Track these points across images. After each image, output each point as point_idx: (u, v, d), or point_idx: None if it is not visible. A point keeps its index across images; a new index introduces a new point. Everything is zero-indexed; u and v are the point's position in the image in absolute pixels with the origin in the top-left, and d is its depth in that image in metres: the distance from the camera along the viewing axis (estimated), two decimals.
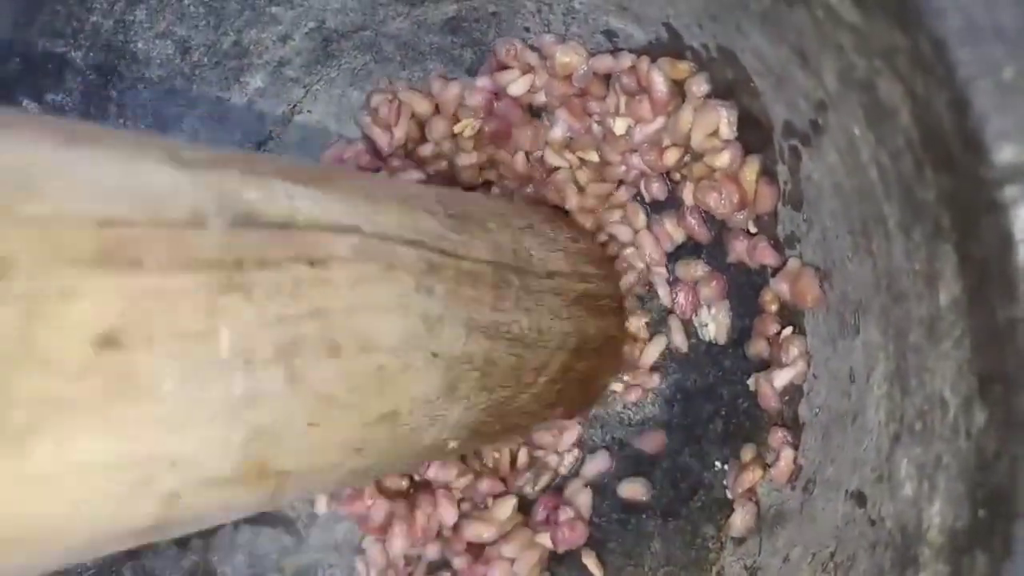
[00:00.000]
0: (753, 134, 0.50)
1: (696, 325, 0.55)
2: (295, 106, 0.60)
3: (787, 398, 0.50)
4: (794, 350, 0.50)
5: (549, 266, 0.49)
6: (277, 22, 0.57)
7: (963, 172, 0.33)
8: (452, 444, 0.44)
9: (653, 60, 0.52)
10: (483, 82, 0.57)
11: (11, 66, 0.53)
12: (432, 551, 0.59)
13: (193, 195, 0.29)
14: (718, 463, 0.54)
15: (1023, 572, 0.31)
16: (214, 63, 0.57)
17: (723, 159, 0.51)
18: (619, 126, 0.54)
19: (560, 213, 0.57)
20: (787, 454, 0.50)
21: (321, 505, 0.61)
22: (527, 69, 0.56)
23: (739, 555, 0.52)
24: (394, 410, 0.37)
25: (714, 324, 0.53)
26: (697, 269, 0.54)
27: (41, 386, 0.24)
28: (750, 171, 0.50)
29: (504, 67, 0.57)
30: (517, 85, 0.56)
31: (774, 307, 0.51)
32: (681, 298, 0.54)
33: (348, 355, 0.34)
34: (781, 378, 0.50)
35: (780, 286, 0.50)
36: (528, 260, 0.47)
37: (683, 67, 0.52)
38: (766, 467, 0.51)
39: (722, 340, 0.54)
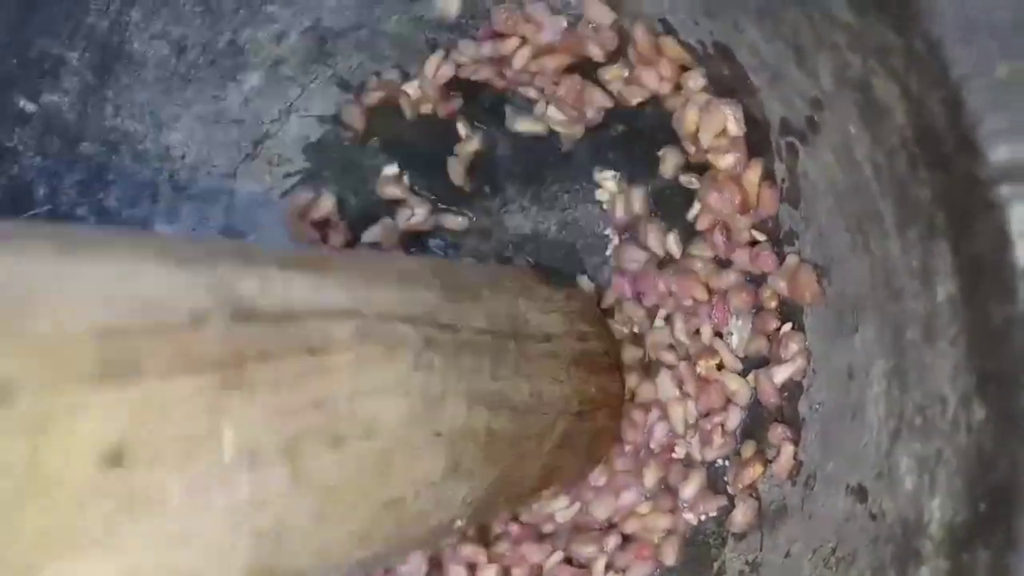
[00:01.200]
0: (751, 132, 0.50)
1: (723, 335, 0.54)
2: (291, 105, 0.60)
3: (786, 394, 0.51)
4: (793, 346, 0.50)
5: (545, 328, 0.49)
6: (273, 21, 0.57)
7: (958, 171, 0.33)
8: (458, 523, 0.43)
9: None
10: (485, 49, 0.57)
11: (8, 67, 0.53)
12: None
13: (190, 294, 0.29)
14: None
15: None
16: (210, 62, 0.57)
17: (727, 160, 0.51)
18: None
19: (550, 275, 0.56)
20: (787, 450, 0.50)
21: None
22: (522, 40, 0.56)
23: (740, 551, 0.52)
24: (399, 496, 0.37)
25: (738, 335, 0.53)
26: (730, 277, 0.53)
27: (47, 516, 0.24)
28: (753, 174, 0.50)
29: (500, 35, 0.57)
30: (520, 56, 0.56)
31: (773, 304, 0.51)
32: (715, 311, 0.53)
33: (351, 444, 0.33)
34: (781, 374, 0.50)
35: (778, 283, 0.50)
36: (524, 325, 0.47)
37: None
38: (767, 463, 0.51)
39: (741, 352, 0.53)
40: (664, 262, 0.54)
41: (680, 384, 0.53)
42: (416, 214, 0.59)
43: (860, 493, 0.44)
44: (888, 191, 0.39)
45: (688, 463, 0.54)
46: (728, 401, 0.52)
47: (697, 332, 0.53)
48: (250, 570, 0.30)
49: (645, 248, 0.54)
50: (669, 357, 0.54)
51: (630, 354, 0.56)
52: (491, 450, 0.42)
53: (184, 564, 0.28)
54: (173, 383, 0.27)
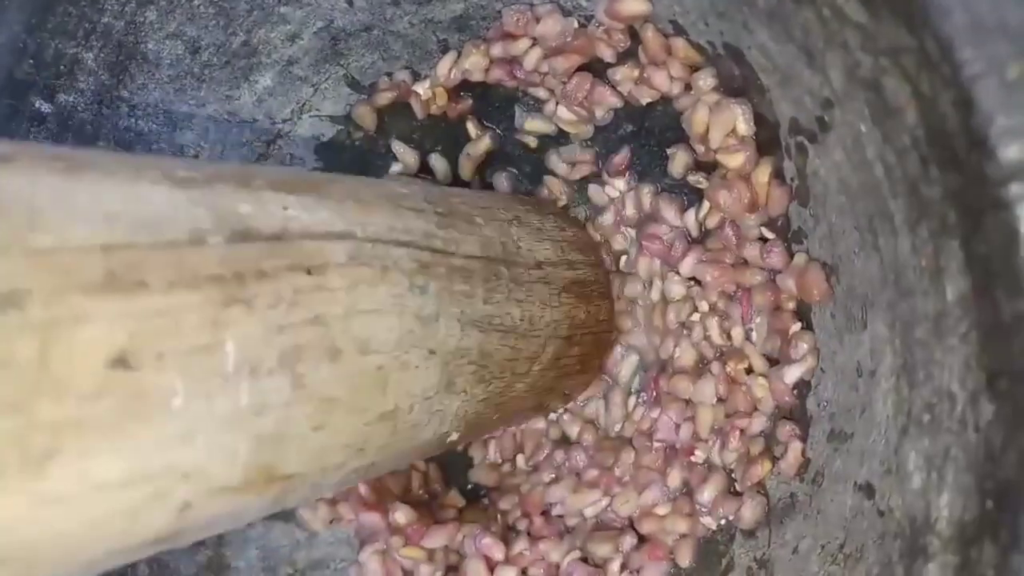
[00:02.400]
0: (761, 132, 0.50)
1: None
2: (304, 104, 0.61)
3: (795, 391, 0.51)
4: (804, 345, 0.50)
5: (537, 256, 0.50)
6: (286, 21, 0.58)
7: (969, 170, 0.33)
8: (453, 436, 0.45)
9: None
10: (496, 50, 0.57)
11: (24, 67, 0.53)
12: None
13: (191, 214, 0.30)
14: None
15: None
16: (223, 62, 0.57)
17: (737, 159, 0.51)
18: None
19: (546, 203, 0.58)
20: (795, 447, 0.51)
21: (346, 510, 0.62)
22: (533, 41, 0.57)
23: (748, 547, 0.53)
24: (394, 408, 0.38)
25: (756, 333, 0.53)
26: (755, 276, 0.53)
27: (60, 410, 0.25)
28: (762, 173, 0.51)
29: (511, 36, 0.57)
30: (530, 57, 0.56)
31: (791, 304, 0.51)
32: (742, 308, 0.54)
33: (348, 358, 0.35)
34: (791, 374, 0.50)
35: (787, 281, 0.51)
36: (516, 252, 0.49)
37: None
38: (775, 460, 0.52)
39: (761, 348, 0.53)
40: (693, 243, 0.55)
41: (716, 389, 0.54)
42: None
43: (868, 490, 0.44)
44: (899, 190, 0.39)
45: (708, 466, 0.55)
46: (755, 408, 0.53)
47: (728, 334, 0.54)
48: (251, 470, 0.31)
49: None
50: (714, 365, 0.54)
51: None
52: (483, 370, 0.44)
53: (189, 462, 0.29)
54: (176, 297, 0.28)
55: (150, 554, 0.31)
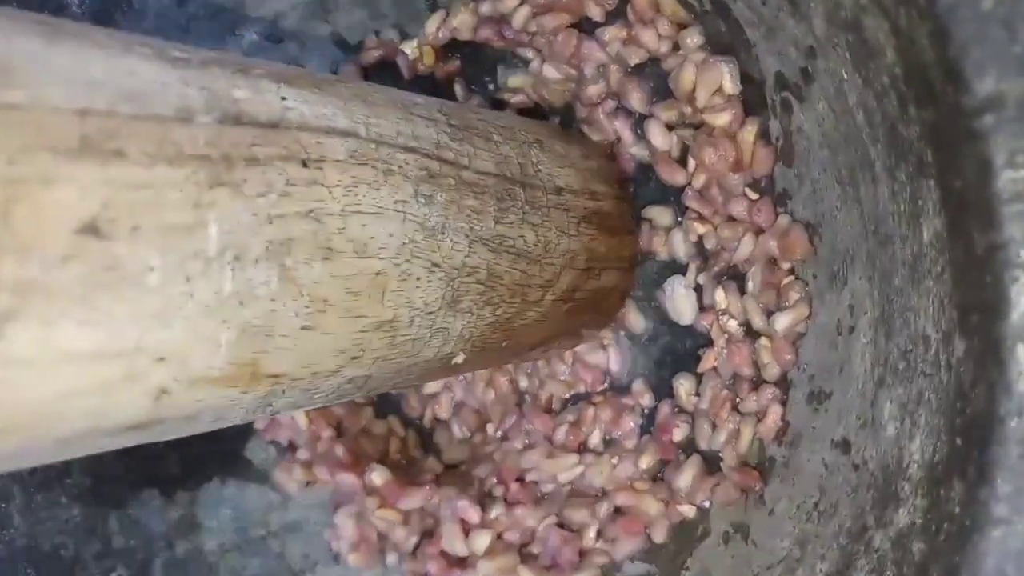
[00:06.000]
0: (747, 92, 0.50)
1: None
2: (290, 62, 0.60)
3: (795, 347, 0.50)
4: (794, 295, 0.49)
5: (557, 182, 0.48)
6: None
7: (944, 104, 0.33)
8: (458, 359, 0.43)
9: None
10: (485, 8, 0.57)
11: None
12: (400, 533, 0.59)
13: (180, 91, 0.29)
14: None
15: (999, 496, 0.31)
16: (210, 15, 0.57)
17: (724, 118, 0.50)
18: None
19: (572, 130, 0.56)
20: (775, 411, 0.50)
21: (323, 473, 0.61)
22: None
23: (724, 512, 0.52)
24: (394, 318, 0.37)
25: (752, 284, 0.52)
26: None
27: (22, 272, 0.24)
28: (748, 132, 0.50)
29: None
30: (519, 15, 0.56)
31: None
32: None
33: (344, 258, 0.34)
34: (783, 321, 0.49)
35: (769, 243, 0.50)
36: (535, 175, 0.47)
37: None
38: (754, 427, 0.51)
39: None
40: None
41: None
42: None
43: (844, 446, 0.43)
44: (879, 134, 0.38)
45: (688, 448, 0.54)
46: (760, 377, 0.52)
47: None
48: (234, 362, 0.31)
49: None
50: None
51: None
52: (491, 291, 0.43)
53: (166, 344, 0.28)
54: (156, 171, 0.27)
55: (133, 442, 0.31)
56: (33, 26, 0.27)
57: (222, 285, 0.29)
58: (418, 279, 0.38)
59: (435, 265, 0.39)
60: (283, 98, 0.33)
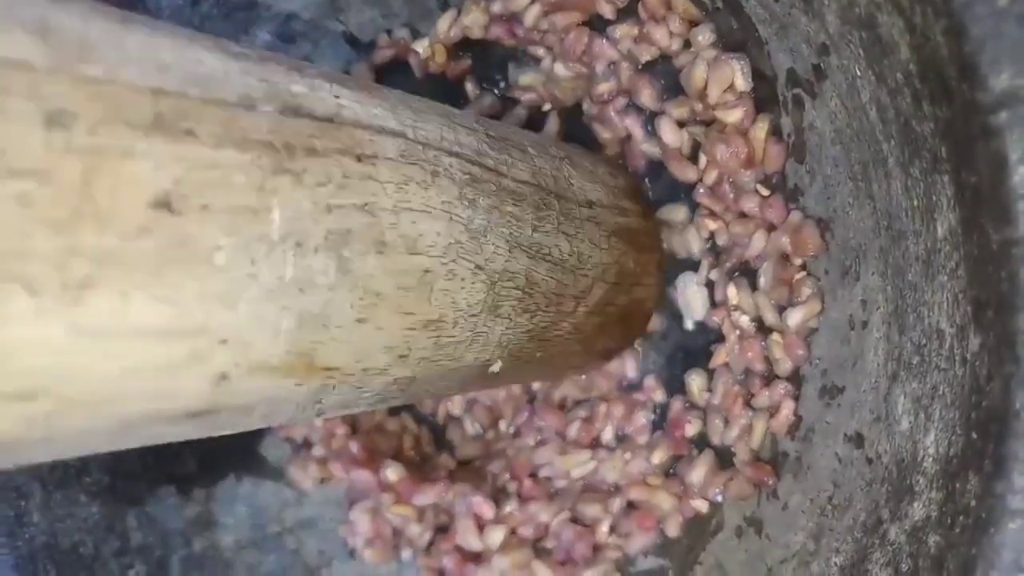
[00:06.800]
0: (758, 89, 0.50)
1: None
2: (303, 60, 0.60)
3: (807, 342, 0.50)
4: (806, 290, 0.49)
5: (589, 195, 0.49)
6: None
7: (960, 100, 0.33)
8: (494, 368, 0.44)
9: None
10: (496, 6, 0.57)
11: None
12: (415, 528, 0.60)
13: (243, 81, 0.29)
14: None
15: (1015, 489, 0.31)
16: (223, 15, 0.58)
17: (735, 115, 0.51)
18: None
19: (597, 150, 0.57)
20: (788, 406, 0.50)
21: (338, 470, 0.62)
22: None
23: (737, 507, 0.52)
24: (440, 318, 0.38)
25: (764, 279, 0.52)
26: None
27: (101, 240, 0.25)
28: (760, 129, 0.50)
29: None
30: (530, 13, 0.56)
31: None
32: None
33: (395, 253, 0.34)
34: (795, 317, 0.49)
35: (781, 239, 0.50)
36: (568, 187, 0.47)
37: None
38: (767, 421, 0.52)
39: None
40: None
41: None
42: None
43: (857, 440, 0.44)
44: (892, 130, 0.39)
45: (701, 444, 0.55)
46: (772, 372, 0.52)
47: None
48: (292, 350, 0.31)
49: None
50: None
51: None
52: (529, 299, 0.43)
53: (230, 326, 0.28)
54: (224, 153, 0.28)
55: (188, 435, 0.31)
56: (107, 12, 0.27)
57: (284, 271, 0.30)
58: (463, 280, 0.38)
59: (478, 267, 0.39)
60: (336, 96, 0.33)
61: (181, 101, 0.27)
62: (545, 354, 0.47)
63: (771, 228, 0.51)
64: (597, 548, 0.57)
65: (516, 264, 0.42)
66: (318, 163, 0.31)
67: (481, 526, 0.58)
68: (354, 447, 0.61)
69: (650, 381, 0.57)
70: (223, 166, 0.28)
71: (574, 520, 0.58)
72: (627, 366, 0.57)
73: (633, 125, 0.56)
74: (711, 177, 0.52)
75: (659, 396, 0.56)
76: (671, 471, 0.56)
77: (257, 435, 0.63)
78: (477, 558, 0.58)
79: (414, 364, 0.37)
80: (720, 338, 0.54)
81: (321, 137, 0.32)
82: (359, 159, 0.33)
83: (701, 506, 0.54)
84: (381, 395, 0.38)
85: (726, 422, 0.53)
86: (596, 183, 0.51)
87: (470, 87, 0.60)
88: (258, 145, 0.29)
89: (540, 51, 0.58)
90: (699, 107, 0.53)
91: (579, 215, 0.47)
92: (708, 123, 0.52)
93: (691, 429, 0.55)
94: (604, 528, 0.57)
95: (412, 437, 0.64)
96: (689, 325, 0.55)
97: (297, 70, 0.33)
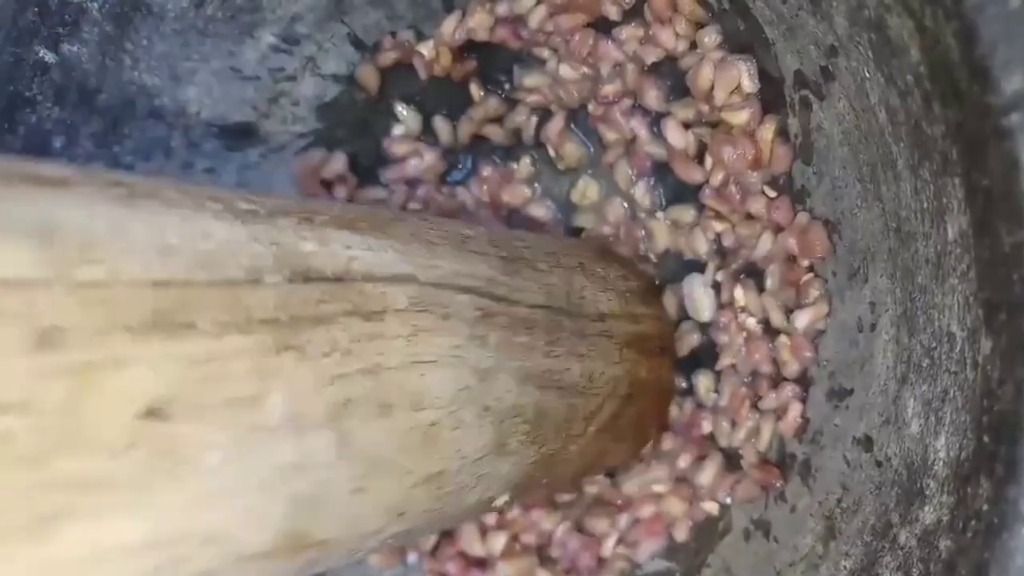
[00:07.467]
0: (765, 89, 0.50)
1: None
2: (306, 64, 0.60)
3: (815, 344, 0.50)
4: (814, 292, 0.49)
5: (600, 307, 0.48)
6: None
7: (971, 102, 0.33)
8: (498, 502, 0.42)
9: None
10: (501, 8, 0.57)
11: (28, 15, 0.53)
12: None
13: (250, 251, 0.29)
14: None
15: None
16: (228, 17, 0.57)
17: (742, 116, 0.51)
18: None
19: (608, 250, 0.56)
20: (795, 408, 0.50)
21: None
22: None
23: (744, 509, 0.52)
24: (441, 470, 0.36)
25: (770, 281, 0.52)
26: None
27: (82, 466, 0.23)
28: (767, 131, 0.50)
29: None
30: (535, 15, 0.56)
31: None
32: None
33: (400, 414, 0.33)
34: (803, 319, 0.49)
35: (788, 240, 0.50)
36: (580, 302, 0.46)
37: None
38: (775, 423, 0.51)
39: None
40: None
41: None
42: (425, 159, 0.60)
43: (866, 442, 0.44)
44: (901, 132, 0.39)
45: (713, 445, 0.54)
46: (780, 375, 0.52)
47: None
48: (282, 535, 0.29)
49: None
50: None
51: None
52: (537, 430, 0.42)
53: (215, 527, 0.27)
54: (225, 341, 0.26)
55: None
56: (112, 190, 0.26)
57: (281, 456, 0.28)
58: (469, 426, 0.37)
59: (486, 409, 0.38)
60: (348, 247, 0.32)
61: (184, 291, 0.26)
62: (551, 478, 0.46)
63: (778, 229, 0.51)
64: (602, 560, 0.57)
65: (525, 398, 0.40)
66: (323, 331, 0.30)
67: (484, 531, 0.58)
68: None
69: None
70: (223, 356, 0.26)
71: (579, 530, 0.57)
72: None
73: (639, 127, 0.55)
74: (717, 178, 0.52)
75: None
76: (681, 476, 0.55)
77: None
78: (482, 564, 0.58)
79: (412, 518, 0.36)
80: (727, 340, 0.53)
81: (330, 300, 0.30)
82: (367, 318, 0.32)
83: (712, 508, 0.54)
84: (375, 548, 0.37)
85: (733, 424, 0.53)
86: (608, 290, 0.50)
87: (475, 89, 0.60)
88: (262, 325, 0.28)
89: (545, 53, 0.57)
90: (705, 109, 0.52)
91: (591, 331, 0.46)
92: (714, 125, 0.52)
93: (707, 427, 0.54)
94: (610, 542, 0.56)
95: None
96: (696, 325, 0.55)
97: (308, 221, 0.31)
